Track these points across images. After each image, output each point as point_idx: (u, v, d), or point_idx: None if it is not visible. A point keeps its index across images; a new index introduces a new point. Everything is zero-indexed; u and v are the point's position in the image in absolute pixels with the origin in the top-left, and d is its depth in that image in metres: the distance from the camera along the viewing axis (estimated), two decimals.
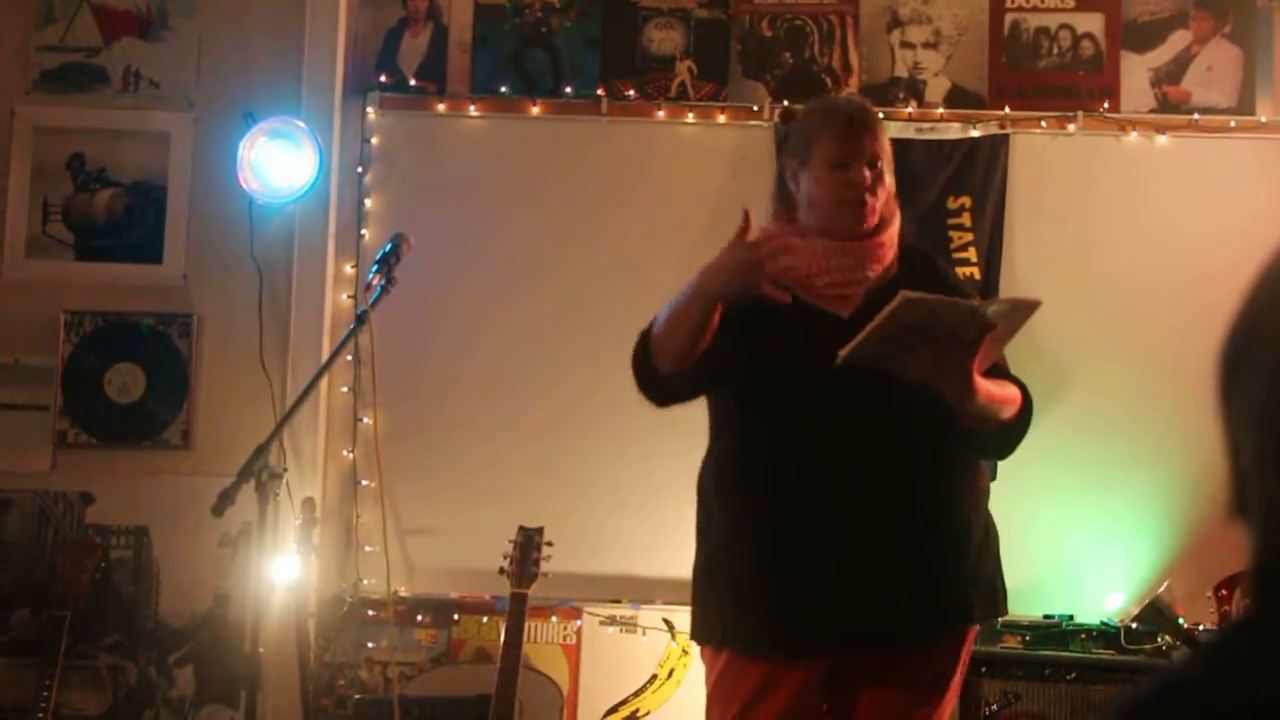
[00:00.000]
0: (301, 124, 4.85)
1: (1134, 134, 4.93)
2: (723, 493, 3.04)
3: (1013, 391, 2.92)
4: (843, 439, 2.89)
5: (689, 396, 3.10)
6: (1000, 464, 4.73)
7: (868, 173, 2.97)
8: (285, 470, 3.51)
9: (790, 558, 2.92)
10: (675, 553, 4.71)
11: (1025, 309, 2.79)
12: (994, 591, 3.06)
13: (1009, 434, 2.94)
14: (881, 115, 4.84)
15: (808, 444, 2.92)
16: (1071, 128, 4.94)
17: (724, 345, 2.90)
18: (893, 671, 2.95)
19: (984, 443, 2.93)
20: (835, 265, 2.96)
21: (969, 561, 2.98)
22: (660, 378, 2.98)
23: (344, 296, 4.98)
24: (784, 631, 2.93)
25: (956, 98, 5.01)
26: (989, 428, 2.87)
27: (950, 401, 2.75)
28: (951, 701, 3.05)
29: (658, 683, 4.70)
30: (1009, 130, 4.93)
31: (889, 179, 3.04)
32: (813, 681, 2.94)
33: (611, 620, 4.80)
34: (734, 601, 2.99)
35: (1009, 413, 2.89)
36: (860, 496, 2.89)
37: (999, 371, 2.93)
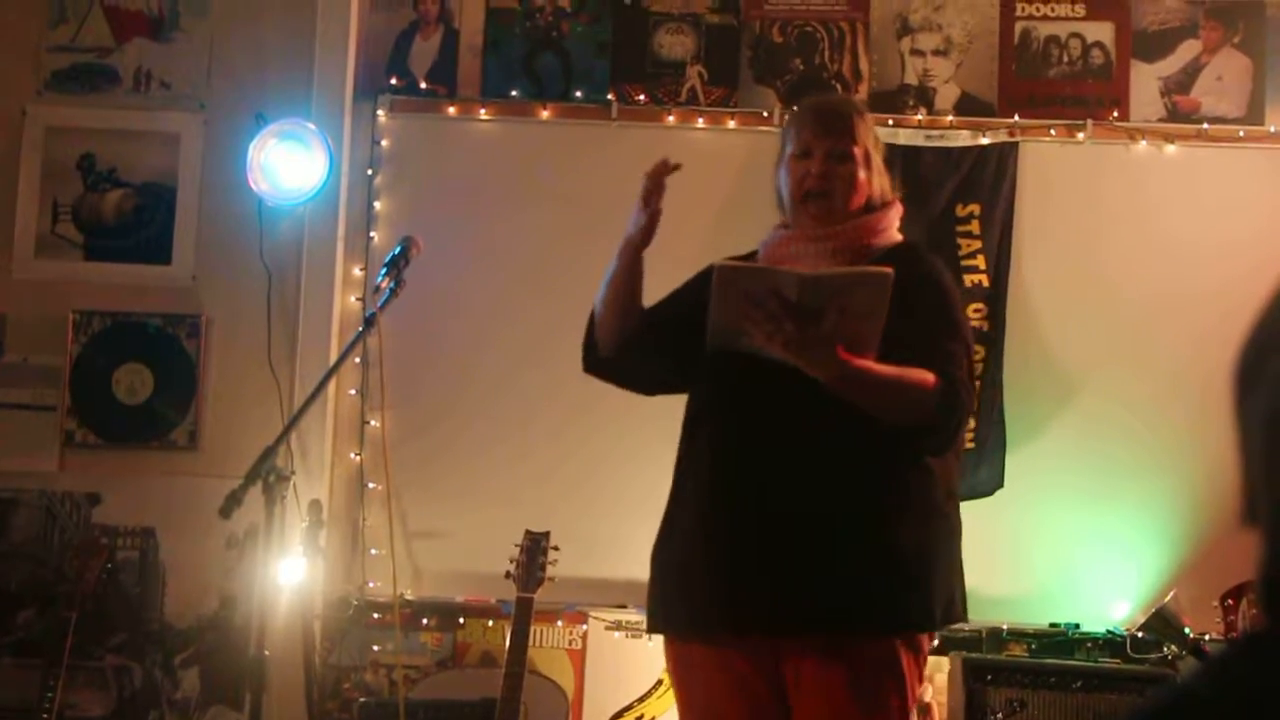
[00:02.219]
0: (312, 126, 4.86)
1: (1143, 143, 4.92)
2: (673, 485, 3.04)
3: (918, 376, 2.75)
4: (770, 434, 2.85)
5: (621, 376, 3.21)
6: (1007, 472, 4.76)
7: (821, 164, 2.97)
8: (292, 472, 3.50)
9: (713, 548, 2.88)
10: None
11: (874, 281, 2.67)
12: (929, 602, 2.88)
13: (915, 422, 2.76)
14: (891, 122, 4.92)
15: (737, 437, 2.90)
16: (1081, 136, 4.94)
17: (683, 339, 2.91)
18: (827, 670, 2.84)
19: (905, 435, 2.78)
20: (796, 253, 2.95)
21: (894, 566, 2.83)
22: (594, 343, 3.11)
23: (353, 299, 4.98)
24: (696, 615, 2.91)
25: (966, 105, 5.01)
26: (887, 415, 2.75)
27: (825, 383, 2.68)
28: (895, 714, 2.87)
29: (663, 688, 4.68)
30: (1018, 138, 4.93)
31: (863, 174, 2.99)
32: (747, 665, 2.88)
33: (617, 625, 4.79)
34: (661, 587, 2.99)
35: (910, 400, 2.75)
36: (782, 492, 2.83)
37: (925, 360, 2.78)
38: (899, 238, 3.07)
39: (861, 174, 3.00)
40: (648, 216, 3.00)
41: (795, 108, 3.21)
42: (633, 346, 3.09)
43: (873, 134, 3.08)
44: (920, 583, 2.87)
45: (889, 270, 2.68)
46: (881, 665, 2.85)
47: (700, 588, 2.89)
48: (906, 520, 2.87)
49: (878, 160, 3.07)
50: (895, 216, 3.07)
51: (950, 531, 2.97)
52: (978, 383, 2.94)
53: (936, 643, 4.61)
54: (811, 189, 2.98)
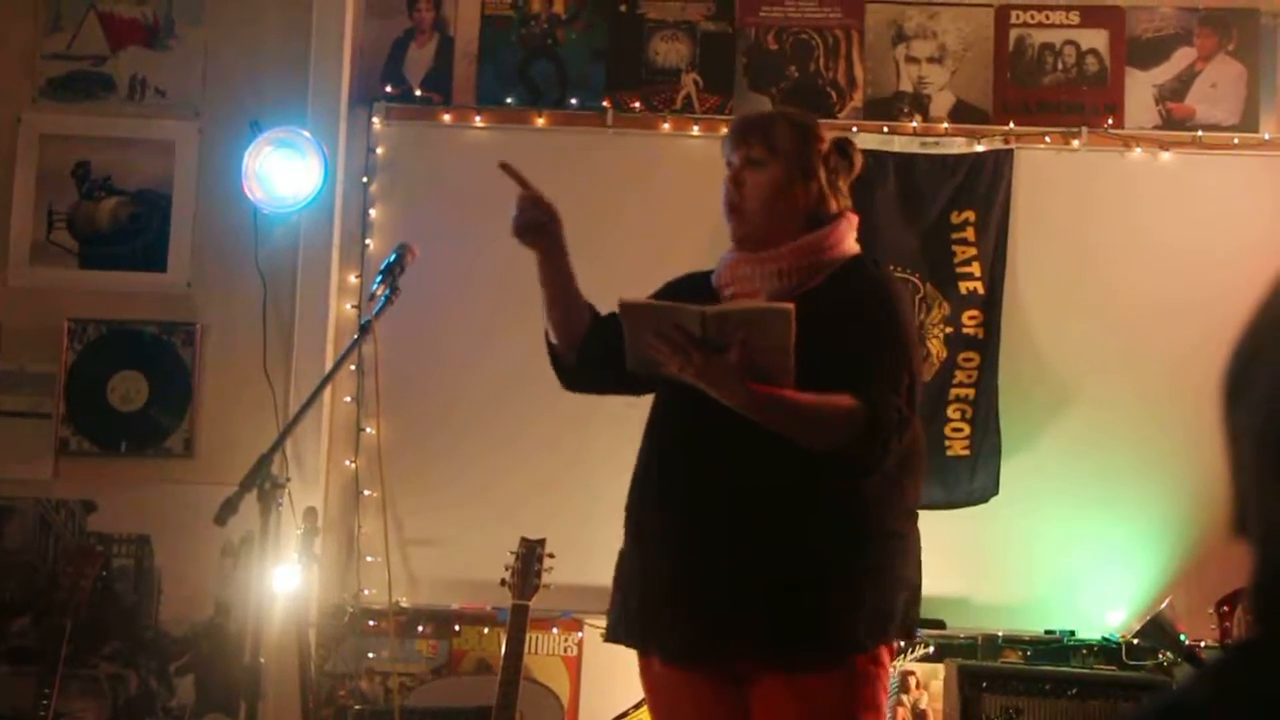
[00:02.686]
0: (307, 133, 4.86)
1: (1138, 150, 4.93)
2: (629, 494, 3.06)
3: (837, 402, 2.71)
4: (706, 452, 2.85)
5: (599, 386, 3.27)
6: (1002, 479, 4.76)
7: (736, 173, 2.95)
8: (288, 480, 3.50)
9: (653, 566, 2.91)
10: None
11: (774, 315, 2.68)
12: (866, 621, 2.81)
13: (835, 445, 2.73)
14: (886, 129, 4.92)
15: (675, 454, 2.91)
16: (1075, 143, 4.95)
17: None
18: (784, 698, 2.81)
19: (830, 460, 2.74)
20: (736, 275, 2.95)
21: (829, 588, 2.78)
22: (562, 365, 3.20)
23: (348, 306, 4.98)
24: (653, 637, 2.93)
25: (961, 112, 5.02)
26: (806, 440, 2.73)
27: (738, 410, 2.70)
28: None
29: None
30: (1013, 145, 4.94)
31: (788, 183, 2.93)
32: (707, 687, 2.87)
33: None
34: (623, 603, 3.02)
35: (823, 423, 2.73)
36: (715, 510, 2.82)
37: (848, 383, 2.74)
38: (854, 250, 2.99)
39: (781, 182, 2.93)
40: (521, 224, 3.13)
41: None
42: (592, 350, 3.09)
43: (815, 143, 2.99)
44: (858, 603, 2.81)
45: (789, 306, 2.68)
46: (839, 686, 2.81)
47: (657, 611, 2.89)
48: (845, 541, 2.82)
49: (817, 169, 2.97)
50: (847, 229, 2.99)
51: (901, 549, 2.91)
52: (917, 398, 2.87)
53: (924, 651, 4.64)
54: (725, 201, 2.97)
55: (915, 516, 2.98)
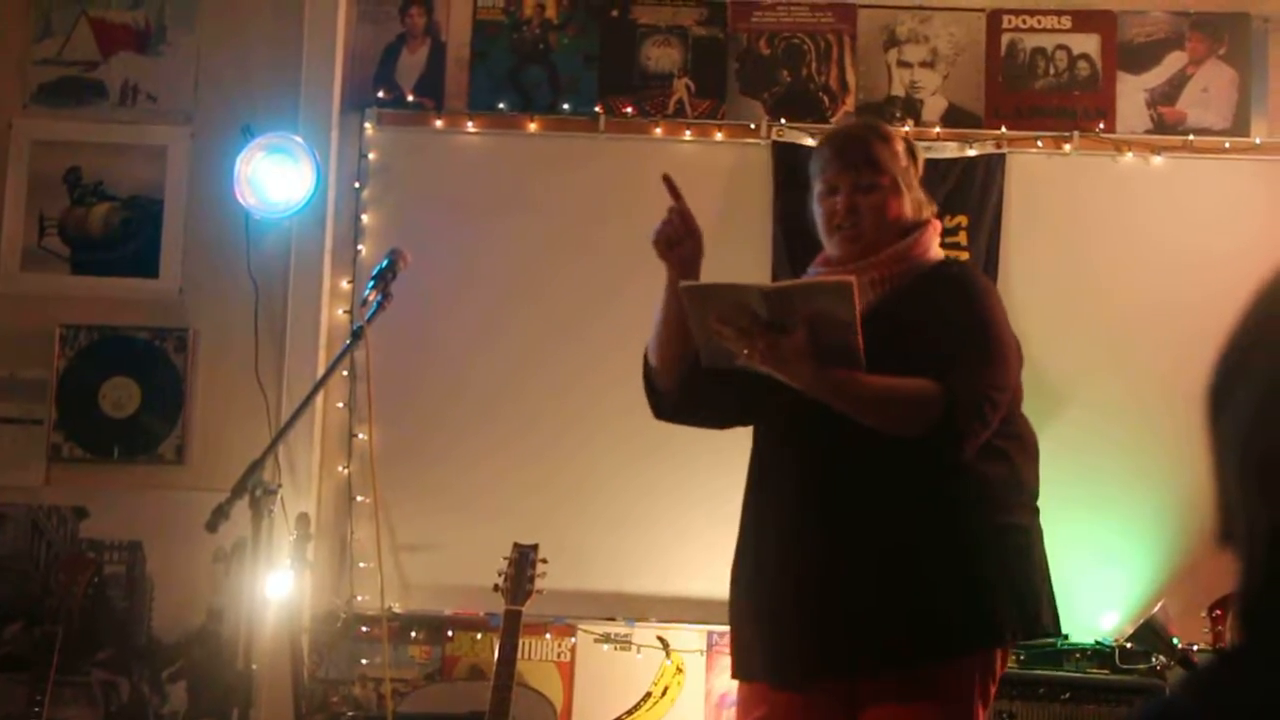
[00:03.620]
0: (299, 139, 4.86)
1: (1129, 154, 4.94)
2: (741, 525, 3.06)
3: (910, 385, 2.76)
4: (803, 467, 2.87)
5: (692, 417, 3.17)
6: None
7: (848, 199, 2.96)
8: (280, 486, 3.50)
9: (759, 586, 2.92)
10: (669, 570, 4.72)
11: (835, 289, 2.70)
12: (991, 611, 2.87)
13: (910, 430, 2.77)
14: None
15: (778, 472, 2.92)
16: (1067, 148, 4.95)
17: (734, 380, 2.91)
18: (894, 699, 2.84)
19: (916, 445, 2.78)
20: None
21: (947, 586, 2.82)
22: (656, 390, 3.07)
23: (340, 312, 4.98)
24: (755, 659, 2.93)
25: (953, 117, 5.02)
26: (880, 424, 2.76)
27: (810, 394, 2.72)
28: None
29: (651, 700, 4.69)
30: (1005, 150, 4.94)
31: (893, 199, 2.98)
32: (810, 707, 2.88)
33: (606, 638, 4.79)
34: (737, 636, 3.03)
35: (904, 409, 2.76)
36: (814, 522, 2.84)
37: (927, 367, 2.78)
38: (939, 255, 3.06)
39: (891, 201, 2.98)
40: (672, 253, 3.00)
41: (820, 141, 3.18)
42: (695, 384, 3.02)
43: (902, 154, 3.05)
44: (982, 597, 2.85)
45: (849, 278, 2.71)
46: (953, 697, 2.84)
47: (764, 635, 2.90)
48: (953, 534, 2.85)
49: (911, 180, 3.04)
50: (933, 235, 3.04)
51: (1022, 538, 2.97)
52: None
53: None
54: (840, 224, 2.97)
55: (1032, 503, 3.02)
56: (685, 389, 3.03)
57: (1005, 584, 2.89)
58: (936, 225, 3.07)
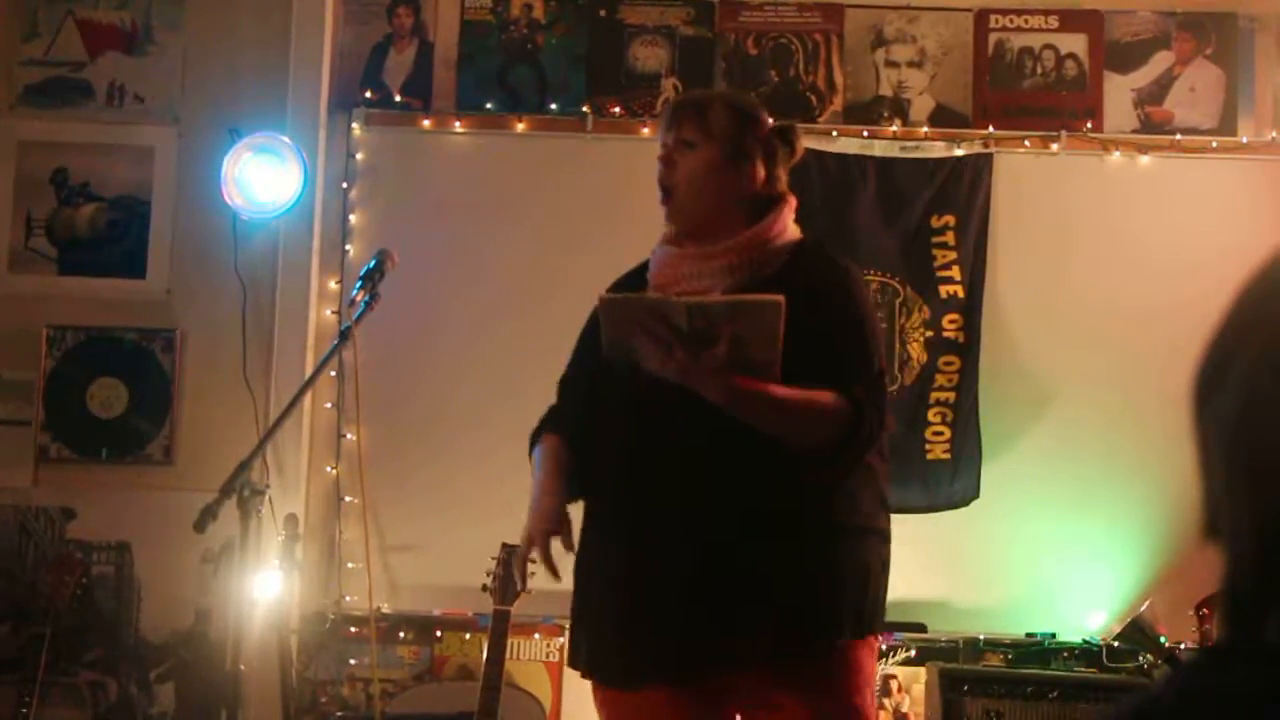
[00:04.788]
0: (286, 139, 4.85)
1: (1117, 154, 4.95)
2: (585, 525, 2.98)
3: (821, 398, 2.69)
4: (668, 453, 2.78)
5: None
6: (983, 483, 4.77)
7: (670, 156, 2.88)
8: (268, 486, 3.50)
9: (611, 577, 2.84)
10: None
11: (760, 308, 2.61)
12: (857, 607, 2.82)
13: (819, 443, 2.71)
14: (866, 133, 4.94)
15: (636, 459, 2.83)
16: (1055, 147, 4.96)
17: (586, 369, 2.87)
18: (756, 697, 2.81)
19: (808, 459, 2.72)
20: (683, 273, 2.86)
21: (789, 585, 2.75)
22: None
23: (328, 312, 4.97)
24: (608, 658, 2.87)
25: (941, 117, 5.03)
26: (791, 437, 2.69)
27: (724, 408, 2.63)
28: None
29: None
30: (993, 149, 4.95)
31: (722, 165, 2.86)
32: (671, 706, 2.81)
33: None
34: (583, 626, 2.94)
35: (815, 423, 2.69)
36: (670, 518, 2.77)
37: (832, 382, 2.71)
38: (796, 234, 2.92)
39: (716, 164, 2.86)
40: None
41: None
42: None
43: (753, 126, 2.91)
44: (850, 592, 2.80)
45: (779, 298, 2.58)
46: (820, 688, 2.80)
47: (630, 636, 2.81)
48: (836, 535, 2.81)
49: (755, 153, 2.89)
50: (788, 214, 2.91)
51: (885, 545, 2.91)
52: (889, 391, 2.84)
53: (905, 655, 4.65)
54: (660, 183, 2.89)
55: (888, 508, 2.95)
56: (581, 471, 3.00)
57: (870, 582, 2.84)
58: (791, 202, 2.94)
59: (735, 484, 2.75)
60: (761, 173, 2.90)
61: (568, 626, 3.04)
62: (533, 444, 3.07)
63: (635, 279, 2.99)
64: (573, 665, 3.02)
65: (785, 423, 2.69)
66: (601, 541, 2.90)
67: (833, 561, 2.79)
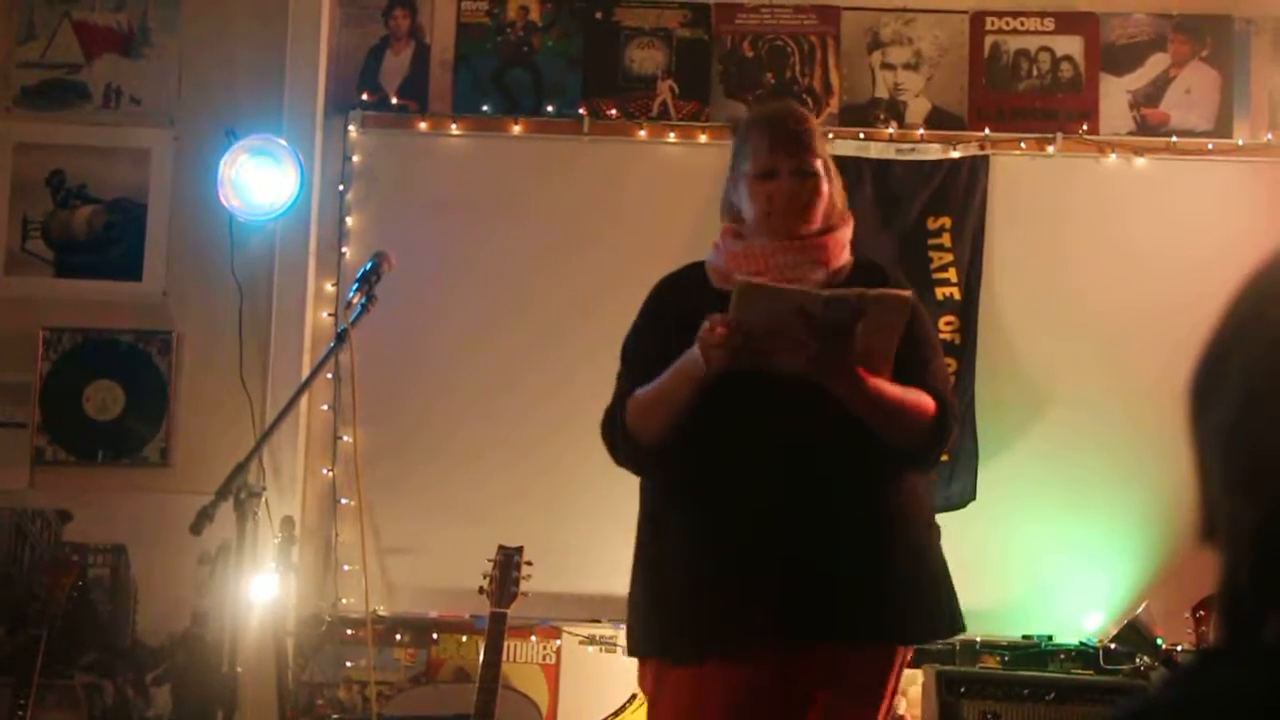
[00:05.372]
0: (283, 141, 4.85)
1: (1113, 156, 4.95)
2: (659, 497, 3.01)
3: (921, 399, 2.84)
4: (772, 442, 2.84)
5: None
6: (980, 484, 4.78)
7: (792, 182, 2.94)
8: (264, 488, 3.50)
9: (720, 558, 2.87)
10: None
11: (894, 302, 2.71)
12: (933, 614, 2.96)
13: (918, 443, 2.85)
14: (862, 135, 4.94)
15: (738, 447, 2.87)
16: (1051, 149, 4.96)
17: (668, 358, 2.88)
18: (829, 685, 2.87)
19: (898, 452, 2.85)
20: (775, 264, 2.92)
21: (896, 576, 2.88)
22: (647, 454, 2.95)
23: (324, 314, 4.97)
24: (712, 623, 2.87)
25: (937, 119, 5.03)
26: (896, 434, 2.81)
27: (842, 400, 2.72)
28: None
29: (637, 702, 4.68)
30: (989, 151, 4.95)
31: (826, 186, 2.97)
32: (750, 685, 2.85)
33: (591, 640, 4.79)
34: (664, 609, 2.95)
35: (914, 420, 2.83)
36: (783, 500, 2.83)
37: (922, 380, 2.86)
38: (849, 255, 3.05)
39: (825, 188, 2.98)
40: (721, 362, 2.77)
41: (747, 120, 3.14)
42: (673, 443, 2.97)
43: (824, 141, 3.07)
44: (947, 588, 2.98)
45: (909, 293, 2.73)
46: (884, 677, 2.91)
47: (746, 595, 2.84)
48: (923, 530, 2.96)
49: (834, 168, 3.05)
50: (850, 232, 3.05)
51: (939, 540, 3.04)
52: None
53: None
54: (780, 209, 2.95)
55: None
56: (665, 453, 2.95)
57: (948, 581, 3.00)
58: (852, 222, 3.07)
59: (842, 472, 2.83)
60: (839, 185, 3.07)
61: (639, 615, 3.02)
62: (614, 428, 2.99)
63: (691, 275, 3.06)
64: (645, 650, 3.02)
65: (893, 418, 2.80)
66: (690, 526, 2.91)
67: (935, 558, 2.96)
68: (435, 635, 4.87)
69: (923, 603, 2.92)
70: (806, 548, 2.83)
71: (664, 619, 2.95)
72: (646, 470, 3.03)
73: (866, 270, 3.00)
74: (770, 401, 2.80)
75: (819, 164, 2.98)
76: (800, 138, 2.98)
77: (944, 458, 4.81)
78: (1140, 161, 4.95)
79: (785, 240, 2.95)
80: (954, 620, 2.99)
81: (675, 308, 2.98)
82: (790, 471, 2.84)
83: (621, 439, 2.96)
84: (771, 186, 2.95)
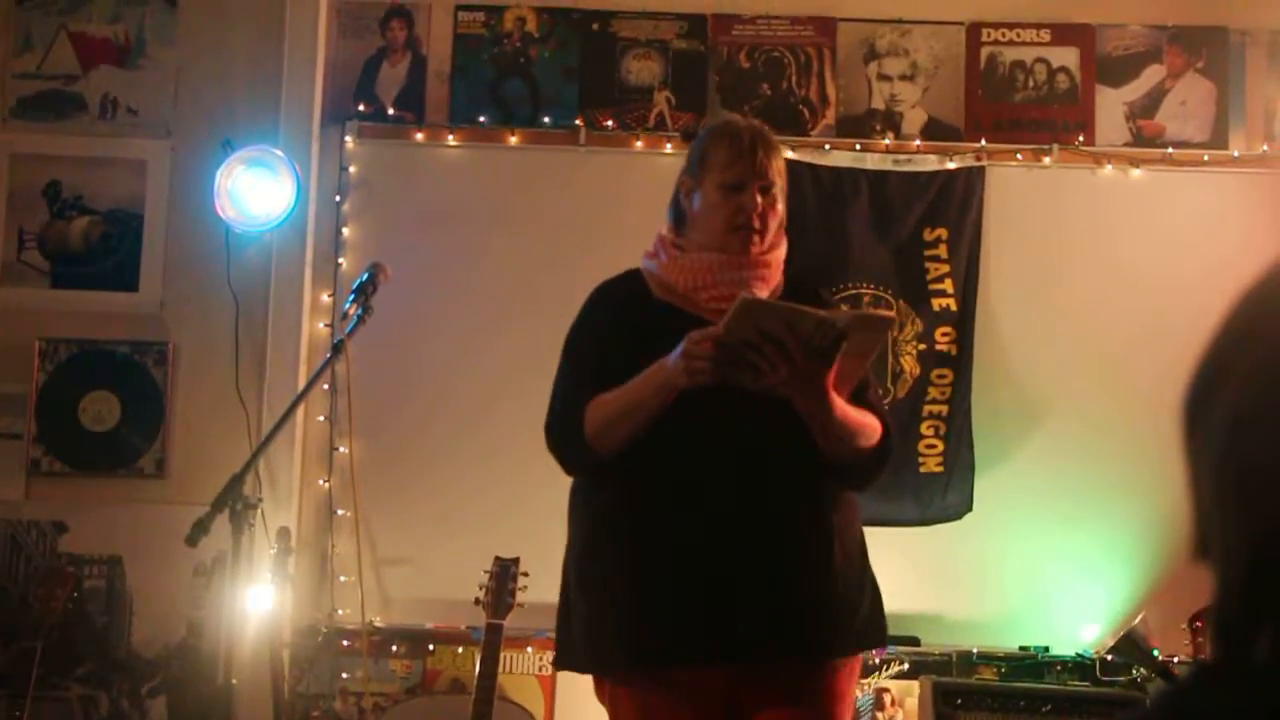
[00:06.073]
0: (279, 152, 4.85)
1: (1108, 167, 4.96)
2: (598, 510, 2.97)
3: (871, 420, 2.83)
4: (714, 453, 2.81)
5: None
6: (976, 496, 4.77)
7: (759, 198, 2.92)
8: (260, 500, 3.49)
9: (663, 574, 2.83)
10: None
11: (877, 324, 2.74)
12: (871, 626, 2.94)
13: (863, 464, 2.86)
14: (858, 146, 4.94)
15: (679, 458, 2.83)
16: (1047, 160, 4.97)
17: (609, 366, 2.87)
18: (779, 704, 2.84)
19: (839, 470, 2.85)
20: (719, 280, 2.90)
21: (842, 590, 2.85)
22: (600, 462, 2.93)
23: (321, 325, 4.97)
24: (656, 644, 2.84)
25: (933, 130, 5.04)
26: (843, 454, 2.80)
27: (805, 417, 2.72)
28: None
29: None
30: (985, 162, 4.96)
31: (781, 205, 2.97)
32: (698, 709, 2.83)
33: None
34: (616, 620, 2.90)
35: (863, 441, 2.82)
36: (724, 510, 2.80)
37: (866, 403, 2.87)
38: None
39: (780, 207, 2.97)
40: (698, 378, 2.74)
41: (715, 128, 3.12)
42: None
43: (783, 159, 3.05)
44: (880, 601, 2.96)
45: (893, 315, 2.72)
46: (838, 692, 2.88)
47: (692, 615, 2.80)
48: (856, 545, 2.93)
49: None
50: (785, 251, 3.03)
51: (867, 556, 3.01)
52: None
53: (898, 668, 4.65)
54: (745, 224, 2.91)
55: None
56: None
57: (879, 595, 2.99)
58: (785, 236, 3.05)
59: (789, 484, 2.82)
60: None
61: (567, 626, 3.00)
62: (569, 435, 2.96)
63: (630, 283, 3.02)
64: (571, 663, 3.03)
65: (846, 435, 2.79)
66: (637, 535, 2.88)
67: (866, 573, 2.94)
68: (431, 646, 4.87)
69: (859, 614, 2.90)
70: (752, 565, 2.80)
71: (610, 634, 2.91)
72: (591, 475, 3.00)
73: (797, 285, 2.99)
74: (719, 413, 2.77)
75: (781, 183, 2.97)
76: (770, 155, 2.97)
77: (938, 468, 4.83)
78: (1136, 173, 4.96)
79: (730, 254, 2.92)
80: (884, 633, 3.00)
81: (615, 316, 2.98)
82: (741, 484, 2.81)
83: (576, 448, 2.93)
84: (741, 199, 2.92)
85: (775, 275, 2.97)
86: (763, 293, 2.89)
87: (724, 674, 2.83)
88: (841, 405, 2.73)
